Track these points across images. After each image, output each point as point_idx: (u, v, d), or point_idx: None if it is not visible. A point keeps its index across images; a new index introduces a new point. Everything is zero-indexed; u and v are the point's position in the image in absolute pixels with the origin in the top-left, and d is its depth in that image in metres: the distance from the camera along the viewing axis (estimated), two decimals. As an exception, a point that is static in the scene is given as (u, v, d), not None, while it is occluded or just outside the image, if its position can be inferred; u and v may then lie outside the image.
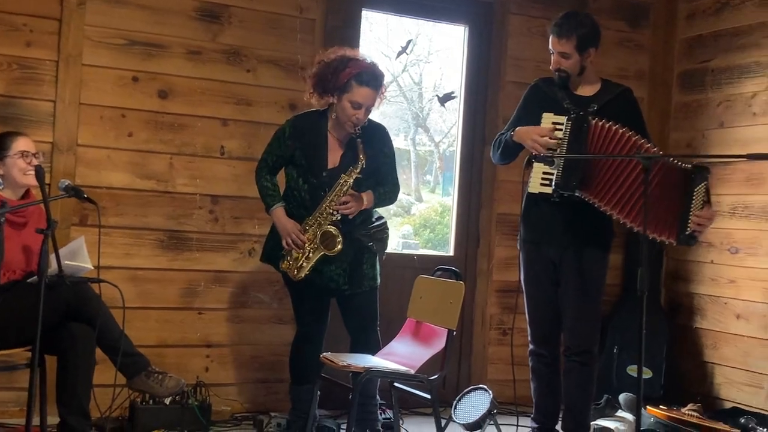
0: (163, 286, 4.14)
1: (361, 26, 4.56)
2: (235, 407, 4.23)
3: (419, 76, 5.41)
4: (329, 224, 3.59)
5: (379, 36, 4.79)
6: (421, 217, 6.03)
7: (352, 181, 3.60)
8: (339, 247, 3.57)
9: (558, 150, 3.55)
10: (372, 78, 3.59)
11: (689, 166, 3.44)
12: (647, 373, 4.62)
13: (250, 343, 4.31)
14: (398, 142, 5.74)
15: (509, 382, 4.53)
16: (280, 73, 4.31)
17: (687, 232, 3.44)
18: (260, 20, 4.28)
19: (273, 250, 3.72)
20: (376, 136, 3.70)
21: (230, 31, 4.23)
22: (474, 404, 4.03)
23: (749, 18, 4.63)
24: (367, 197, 3.67)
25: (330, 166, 3.66)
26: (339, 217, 3.60)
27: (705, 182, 3.42)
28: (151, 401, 3.80)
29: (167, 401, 3.77)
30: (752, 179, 4.55)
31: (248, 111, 4.27)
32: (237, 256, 4.27)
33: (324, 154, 3.67)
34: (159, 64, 4.11)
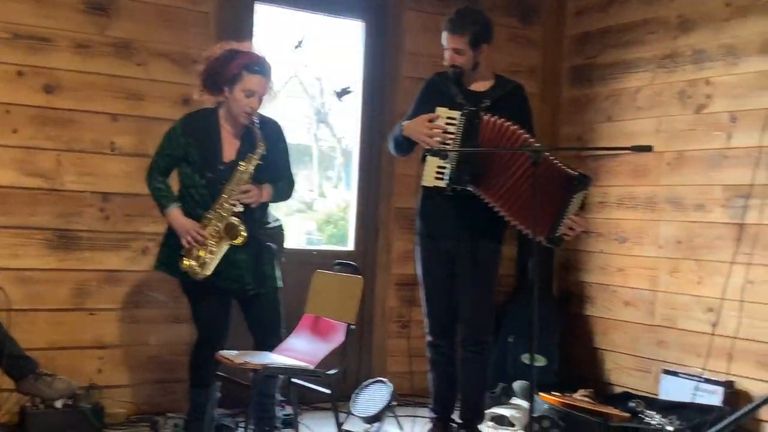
0: (53, 286, 4.01)
1: (255, 20, 4.52)
2: (131, 409, 4.14)
3: (320, 72, 5.40)
4: (231, 215, 3.54)
5: (273, 30, 4.75)
6: (324, 213, 6.02)
7: (252, 168, 3.56)
8: (243, 235, 3.52)
9: (452, 144, 3.62)
10: (262, 66, 3.57)
11: (575, 172, 3.53)
12: (541, 361, 4.74)
13: (146, 343, 4.22)
14: (300, 138, 5.71)
15: (409, 374, 4.61)
16: (172, 67, 4.23)
17: (557, 234, 3.55)
18: (151, 13, 4.19)
19: (169, 257, 3.63)
20: (271, 131, 3.68)
21: (120, 24, 4.12)
22: (373, 397, 4.06)
23: (634, 15, 4.80)
24: (266, 189, 3.64)
25: (226, 159, 3.61)
26: (241, 209, 3.56)
27: (585, 191, 3.54)
28: (41, 405, 3.68)
29: (58, 404, 3.68)
30: (638, 171, 4.72)
31: (140, 106, 4.17)
32: (130, 255, 4.17)
33: (219, 147, 3.62)
34: (45, 58, 3.97)
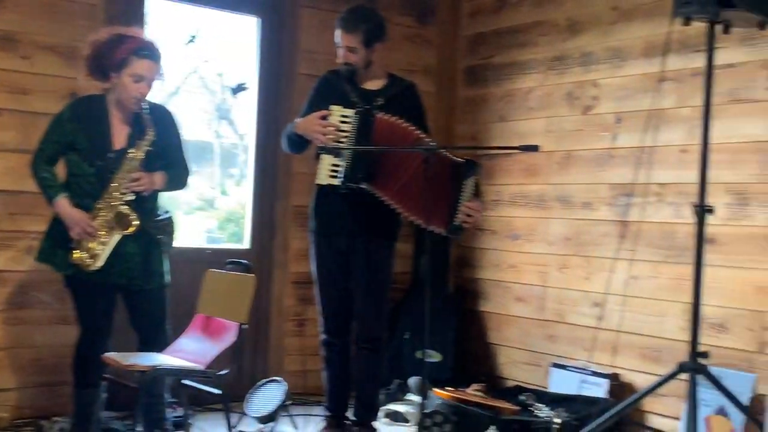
0: (-70, 288, 3.84)
1: (147, 12, 4.42)
2: (15, 413, 3.99)
3: (221, 68, 5.34)
4: (121, 204, 3.46)
5: (166, 24, 4.66)
6: (225, 210, 5.95)
7: (142, 154, 3.48)
8: (135, 224, 3.44)
9: (345, 142, 3.63)
10: (151, 50, 3.50)
11: (462, 160, 3.61)
12: (436, 357, 4.80)
13: (31, 345, 4.08)
14: (201, 134, 5.63)
15: (307, 373, 4.60)
16: (58, 60, 4.10)
17: (455, 223, 3.61)
18: (36, 4, 4.05)
19: (52, 248, 3.52)
20: (161, 117, 3.60)
21: (4, 16, 3.96)
22: (267, 397, 4.03)
23: (526, 17, 4.90)
24: (158, 177, 3.57)
25: (116, 146, 3.52)
26: (132, 197, 3.47)
27: (475, 176, 3.61)
28: None
29: (-65, 412, 3.53)
30: (530, 170, 4.83)
31: (24, 100, 4.03)
32: (14, 255, 4.02)
33: (108, 134, 3.52)
34: None
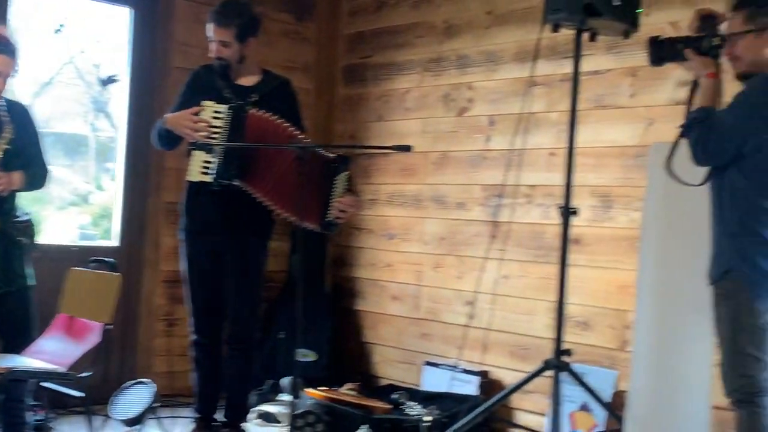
0: None
1: (9, 3, 4.22)
2: None
3: (98, 59, 5.15)
4: None
5: (32, 13, 4.46)
6: (99, 206, 5.74)
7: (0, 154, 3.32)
8: None
9: (218, 139, 3.56)
10: (5, 45, 3.33)
11: (333, 156, 3.61)
12: (311, 356, 4.78)
13: None
14: (76, 127, 5.42)
15: (176, 374, 4.49)
16: None
17: (328, 219, 3.61)
18: None
19: None
20: (19, 114, 3.43)
21: None
22: (134, 399, 3.92)
23: (404, 18, 4.94)
24: (16, 176, 3.40)
25: None
26: None
27: (346, 171, 3.61)
28: None
29: None
30: (406, 170, 4.87)
31: None
32: None
33: None
34: None
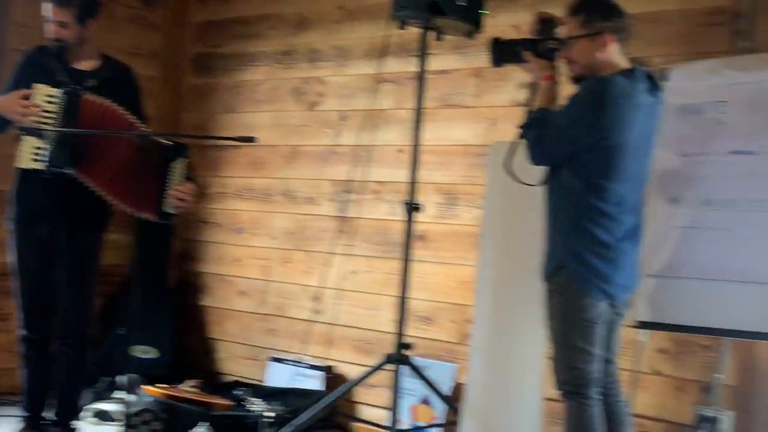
0: None
1: None
2: None
3: None
4: None
5: None
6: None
7: None
8: None
9: (51, 124, 3.38)
10: None
11: (169, 143, 3.51)
12: (153, 353, 4.64)
13: None
14: None
15: (3, 371, 4.25)
16: None
17: (164, 208, 3.51)
18: None
19: None
20: None
21: None
22: (-46, 399, 3.67)
23: (256, 9, 4.86)
24: None
25: None
26: None
27: (183, 158, 3.51)
28: None
29: None
30: (256, 163, 4.80)
31: None
32: None
33: None
34: None
